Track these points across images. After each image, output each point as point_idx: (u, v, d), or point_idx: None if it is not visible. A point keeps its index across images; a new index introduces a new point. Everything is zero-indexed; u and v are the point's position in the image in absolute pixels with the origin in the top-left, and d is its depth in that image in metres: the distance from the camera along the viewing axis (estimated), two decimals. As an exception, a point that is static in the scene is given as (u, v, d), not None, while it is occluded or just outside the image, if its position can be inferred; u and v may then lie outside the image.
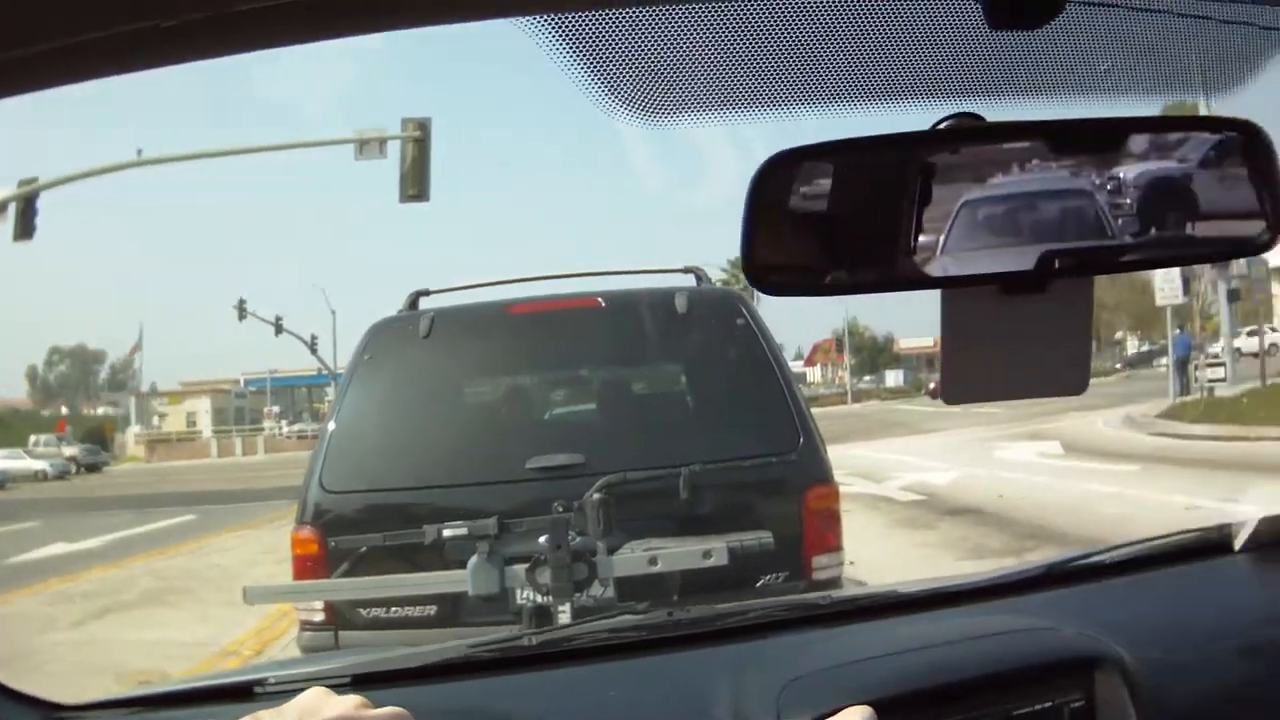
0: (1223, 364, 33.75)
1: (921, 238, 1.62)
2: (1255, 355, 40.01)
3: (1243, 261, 41.99)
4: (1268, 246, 1.68)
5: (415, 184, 27.42)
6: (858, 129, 1.59)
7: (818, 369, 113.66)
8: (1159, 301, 38.94)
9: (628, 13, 1.50)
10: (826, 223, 1.65)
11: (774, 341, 6.58)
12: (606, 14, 1.49)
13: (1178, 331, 45.52)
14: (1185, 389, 39.95)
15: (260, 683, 2.44)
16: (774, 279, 1.62)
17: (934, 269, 1.64)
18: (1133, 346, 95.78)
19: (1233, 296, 36.68)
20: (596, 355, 7.17)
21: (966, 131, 1.63)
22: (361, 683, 2.38)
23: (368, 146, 28.88)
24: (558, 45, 1.49)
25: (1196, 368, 35.19)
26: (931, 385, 66.26)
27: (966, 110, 1.64)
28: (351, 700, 1.48)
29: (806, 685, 2.13)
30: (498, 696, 2.40)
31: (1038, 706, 2.10)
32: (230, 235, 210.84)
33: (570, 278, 8.07)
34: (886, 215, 1.63)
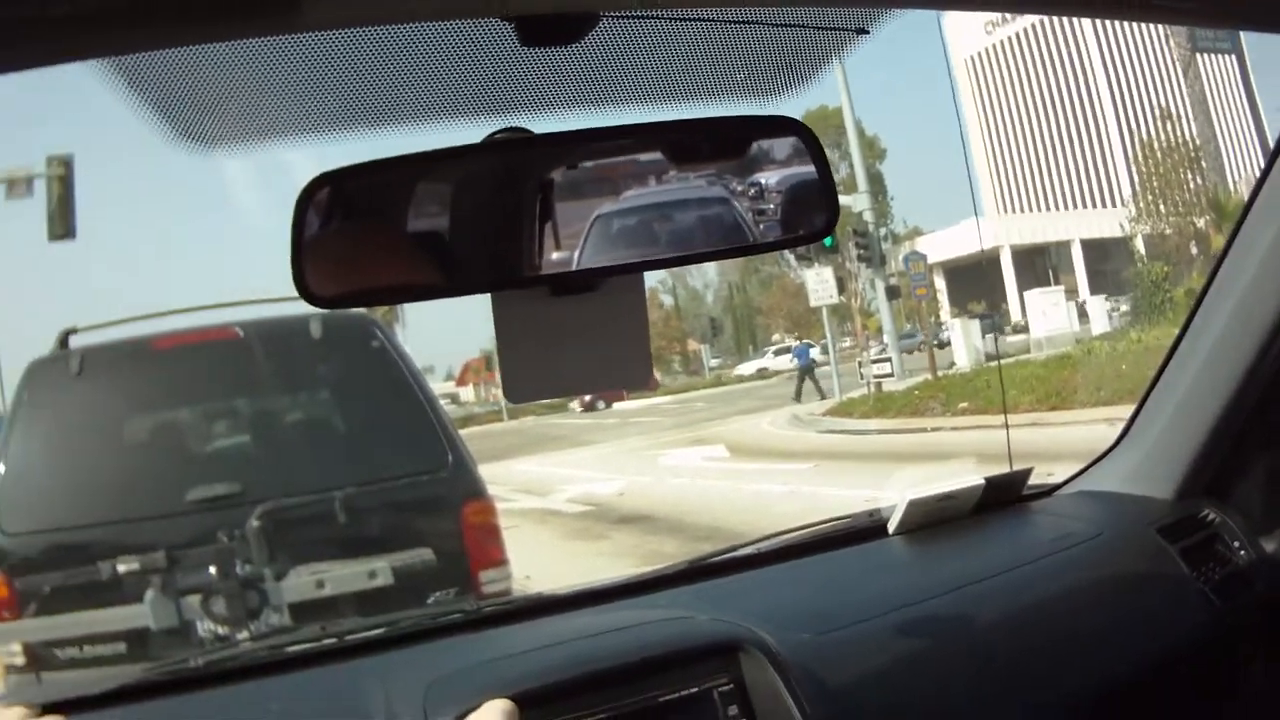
0: (888, 359, 33.81)
1: (471, 245, 1.73)
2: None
3: (901, 258, 43.09)
4: (824, 234, 1.81)
5: (62, 222, 26.22)
6: (415, 148, 1.66)
7: (470, 389, 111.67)
8: (813, 302, 39.08)
9: (177, 52, 1.53)
10: (374, 236, 1.73)
11: (412, 363, 6.72)
12: (160, 55, 1.54)
13: (796, 342, 46.03)
14: (799, 395, 40.86)
15: None
16: (324, 293, 1.66)
17: (484, 275, 1.74)
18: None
19: (892, 294, 37.01)
20: (241, 384, 7.15)
21: (511, 142, 1.71)
22: (51, 711, 2.42)
23: (15, 186, 27.62)
24: (122, 85, 1.57)
25: (861, 364, 35.45)
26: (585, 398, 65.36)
27: (517, 125, 1.71)
28: (16, 712, 1.59)
29: (449, 684, 2.20)
30: (173, 717, 2.48)
31: (684, 692, 2.17)
32: None
33: (214, 308, 8.01)
34: (435, 227, 1.70)
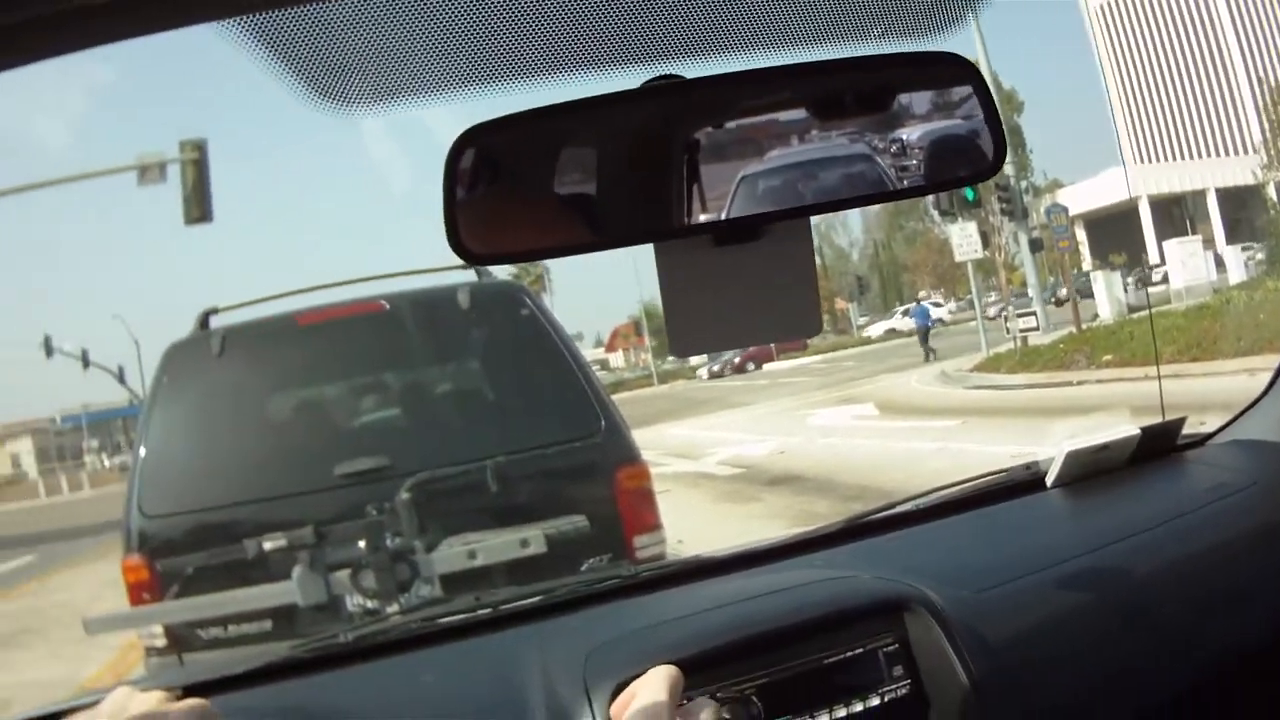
0: (1033, 313, 33.76)
1: (625, 196, 1.66)
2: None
3: (1043, 211, 42.70)
4: (992, 171, 1.73)
5: (198, 205, 26.65)
6: (564, 99, 1.61)
7: (620, 354, 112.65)
8: (958, 257, 39.10)
9: (315, 9, 1.50)
10: (529, 189, 1.67)
11: (562, 329, 6.64)
12: (295, 12, 1.49)
13: (916, 303, 46.15)
14: (928, 356, 40.90)
15: (95, 703, 2.40)
16: (479, 250, 1.63)
17: (642, 225, 1.67)
18: (949, 304, 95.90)
19: (1035, 246, 36.93)
20: (388, 358, 7.19)
21: (666, 89, 1.63)
22: (193, 693, 2.37)
23: (149, 172, 28.00)
24: (257, 47, 1.50)
25: (1007, 319, 35.33)
26: (715, 367, 65.79)
27: (670, 73, 1.64)
28: (157, 696, 1.54)
29: (609, 651, 2.16)
30: (319, 692, 2.42)
31: (849, 653, 2.13)
32: (24, 273, 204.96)
33: (355, 283, 7.76)
34: (589, 178, 1.64)
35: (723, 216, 1.64)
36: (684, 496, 17.38)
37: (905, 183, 1.68)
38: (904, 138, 1.68)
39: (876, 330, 78.10)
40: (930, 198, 39.38)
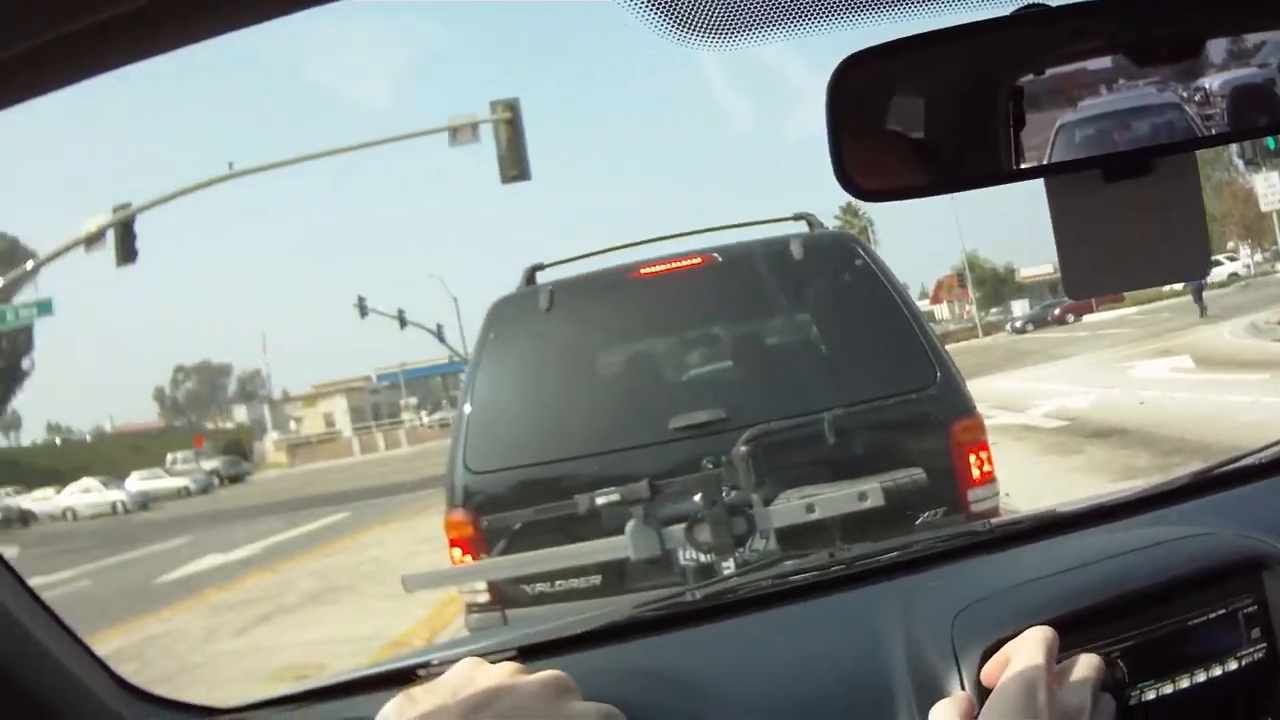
0: None
1: (1001, 129, 1.59)
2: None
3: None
4: None
5: (514, 164, 27.09)
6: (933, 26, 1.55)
7: (944, 306, 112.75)
8: (1264, 207, 38.20)
9: None
10: (914, 121, 1.61)
11: (895, 279, 6.54)
12: None
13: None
14: (1203, 311, 40.01)
15: (424, 666, 2.40)
16: (869, 185, 1.58)
17: (1031, 159, 1.60)
18: (1245, 256, 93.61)
19: None
20: (721, 310, 7.17)
21: (1042, 16, 1.56)
22: (526, 655, 2.35)
23: (460, 133, 28.53)
24: None
25: None
26: (1056, 308, 65.64)
27: (1037, 2, 1.56)
28: (507, 668, 1.47)
29: (979, 611, 2.07)
30: (664, 654, 2.37)
31: (1210, 614, 2.00)
32: (338, 236, 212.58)
33: (681, 236, 7.94)
34: (974, 108, 1.60)
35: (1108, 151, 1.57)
36: (1010, 449, 17.32)
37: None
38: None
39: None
40: (1234, 146, 38.60)
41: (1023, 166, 1.59)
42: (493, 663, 1.52)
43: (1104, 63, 1.57)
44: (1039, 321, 67.40)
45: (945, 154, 1.61)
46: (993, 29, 1.55)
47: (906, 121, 1.60)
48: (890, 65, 1.57)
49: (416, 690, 1.44)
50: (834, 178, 1.56)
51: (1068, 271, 1.71)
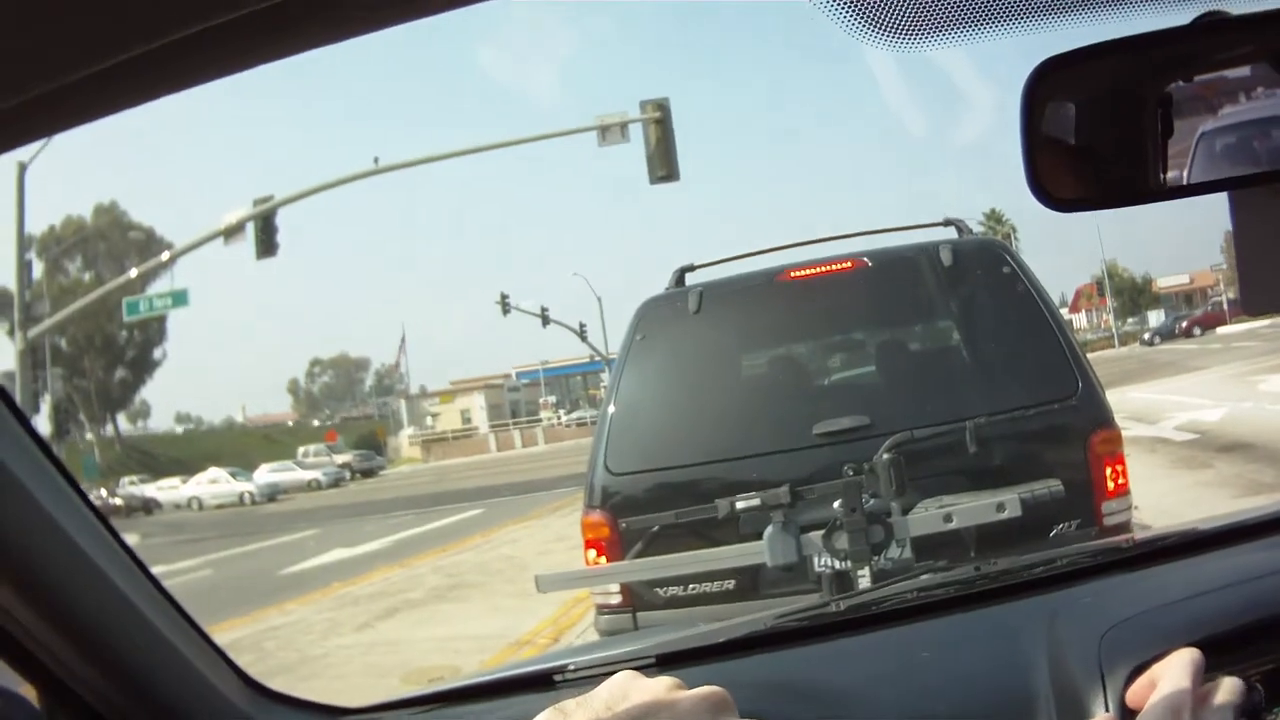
0: None
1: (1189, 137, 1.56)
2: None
3: None
4: None
5: (663, 164, 26.97)
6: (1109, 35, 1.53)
7: (1082, 314, 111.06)
8: None
9: None
10: (1104, 130, 1.60)
11: (1042, 288, 6.46)
12: None
13: None
14: None
15: (560, 670, 2.41)
16: (1060, 194, 1.57)
17: (1220, 170, 1.56)
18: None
19: None
20: (867, 316, 7.15)
21: (1226, 26, 1.51)
22: (667, 662, 2.37)
23: (609, 132, 28.41)
24: None
25: None
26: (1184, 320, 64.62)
27: (1215, 9, 1.51)
28: (664, 682, 1.38)
29: (1126, 631, 2.04)
30: (808, 666, 2.36)
31: None
32: (481, 233, 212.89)
33: (830, 241, 7.92)
34: (1153, 118, 1.57)
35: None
36: (1141, 461, 17.06)
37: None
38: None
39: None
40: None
41: (1212, 179, 1.57)
42: (632, 670, 1.46)
43: (1242, 73, 1.56)
44: (1166, 334, 66.55)
45: (1132, 165, 1.60)
46: (1175, 38, 1.54)
47: (1095, 130, 1.61)
48: (1077, 73, 1.57)
49: (568, 703, 1.36)
50: (1025, 186, 1.57)
51: (1246, 283, 1.70)
